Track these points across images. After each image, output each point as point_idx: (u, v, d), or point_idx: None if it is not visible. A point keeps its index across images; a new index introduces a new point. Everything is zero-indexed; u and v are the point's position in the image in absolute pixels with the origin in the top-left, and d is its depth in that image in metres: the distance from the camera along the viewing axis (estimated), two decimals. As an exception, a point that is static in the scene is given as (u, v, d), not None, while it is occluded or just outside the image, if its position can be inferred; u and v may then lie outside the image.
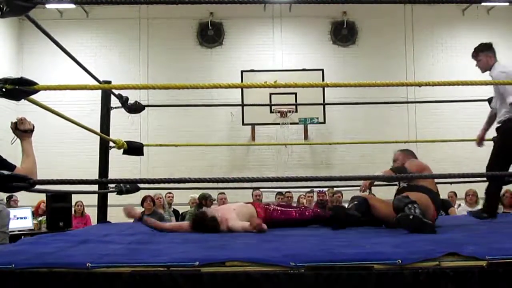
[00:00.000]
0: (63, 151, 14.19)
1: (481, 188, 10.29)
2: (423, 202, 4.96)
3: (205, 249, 3.68)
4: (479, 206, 10.33)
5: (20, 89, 3.47)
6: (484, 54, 6.29)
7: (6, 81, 3.43)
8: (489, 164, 6.23)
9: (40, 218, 11.09)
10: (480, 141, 6.85)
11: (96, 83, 5.72)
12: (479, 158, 13.26)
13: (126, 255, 3.43)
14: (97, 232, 5.18)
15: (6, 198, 11.39)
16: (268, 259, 3.07)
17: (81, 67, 5.11)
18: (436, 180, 6.56)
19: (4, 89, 3.42)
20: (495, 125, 6.26)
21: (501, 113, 6.00)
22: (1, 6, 3.36)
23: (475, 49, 6.40)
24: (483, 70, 6.24)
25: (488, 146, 7.48)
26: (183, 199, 11.68)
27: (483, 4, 14.97)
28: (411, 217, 4.51)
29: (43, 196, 10.93)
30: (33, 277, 2.95)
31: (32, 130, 3.85)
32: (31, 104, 3.92)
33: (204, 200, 10.29)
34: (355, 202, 5.54)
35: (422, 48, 15.39)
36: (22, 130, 3.80)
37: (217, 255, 3.25)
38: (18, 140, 3.84)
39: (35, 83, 3.55)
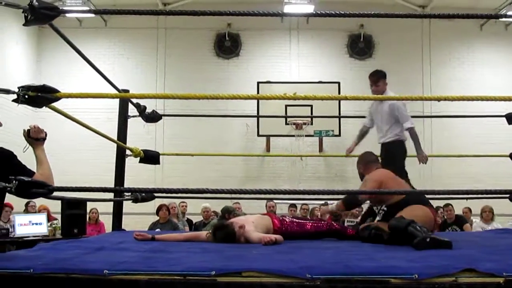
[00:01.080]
0: (78, 159, 14.26)
1: (496, 205, 10.31)
2: (419, 216, 4.94)
3: (222, 259, 3.69)
4: (495, 223, 10.31)
5: (42, 96, 3.52)
6: (382, 81, 7.09)
7: (29, 88, 3.48)
8: None
9: (54, 225, 11.13)
10: (349, 152, 7.50)
11: (115, 91, 5.76)
12: (494, 174, 13.37)
13: (143, 263, 3.45)
14: (112, 240, 5.20)
15: (25, 204, 11.52)
16: (284, 270, 3.07)
17: (101, 75, 5.16)
18: (450, 195, 6.59)
19: (27, 96, 3.46)
20: (384, 140, 6.95)
21: (389, 133, 6.83)
22: (26, 14, 3.41)
23: (377, 75, 7.13)
24: (378, 94, 6.90)
25: (506, 163, 7.46)
26: (196, 208, 11.69)
27: (501, 19, 14.93)
28: (428, 239, 4.44)
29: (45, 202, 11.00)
30: (51, 282, 2.98)
31: (44, 138, 3.83)
32: (49, 112, 3.96)
33: (228, 214, 10.16)
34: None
35: (439, 62, 15.34)
36: (34, 138, 3.78)
37: (234, 265, 3.26)
38: (31, 148, 3.83)
39: (57, 91, 3.59)
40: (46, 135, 3.84)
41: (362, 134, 7.52)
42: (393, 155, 6.76)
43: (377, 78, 7.07)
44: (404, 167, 6.71)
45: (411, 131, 6.79)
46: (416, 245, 4.46)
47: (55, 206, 10.42)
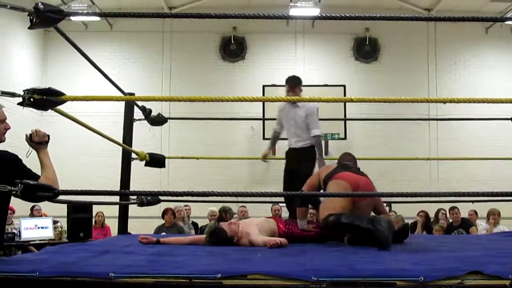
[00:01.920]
0: (84, 162, 14.28)
1: (503, 208, 10.28)
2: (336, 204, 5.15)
3: (227, 262, 3.69)
4: (501, 226, 10.28)
5: (48, 99, 3.52)
6: (299, 87, 7.10)
7: (34, 91, 3.48)
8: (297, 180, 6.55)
9: (60, 229, 11.16)
10: (264, 158, 7.70)
11: (120, 94, 5.77)
12: (500, 177, 13.35)
13: (148, 266, 3.45)
14: (118, 243, 5.20)
15: (30, 208, 11.54)
16: (289, 273, 3.07)
17: (107, 79, 5.18)
18: (456, 198, 6.55)
19: (32, 99, 3.47)
20: (301, 144, 6.91)
21: (306, 138, 6.85)
22: (31, 17, 3.42)
23: (295, 81, 7.13)
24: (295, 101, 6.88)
25: (511, 165, 7.46)
26: (202, 212, 11.69)
27: (506, 23, 14.90)
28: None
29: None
30: (56, 286, 2.99)
31: (47, 142, 3.83)
32: (55, 115, 3.96)
33: (224, 214, 10.31)
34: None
35: (445, 65, 15.32)
36: (36, 142, 3.79)
37: (239, 268, 3.26)
38: (34, 152, 3.82)
39: (63, 94, 3.60)
40: (48, 138, 3.85)
41: (275, 139, 7.65)
42: (309, 159, 6.86)
43: (295, 84, 7.09)
44: (313, 169, 6.78)
45: (318, 139, 6.88)
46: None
47: (60, 210, 10.42)
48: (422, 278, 2.95)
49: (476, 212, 11.38)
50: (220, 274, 3.01)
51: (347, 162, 5.95)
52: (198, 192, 3.75)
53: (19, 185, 3.31)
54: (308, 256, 4.14)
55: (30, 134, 3.78)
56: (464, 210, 11.01)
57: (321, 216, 5.27)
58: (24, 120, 11.29)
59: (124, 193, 6.68)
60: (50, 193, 3.45)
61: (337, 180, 5.39)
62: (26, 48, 14.20)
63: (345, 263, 3.57)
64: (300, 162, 6.83)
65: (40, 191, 3.40)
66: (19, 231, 10.36)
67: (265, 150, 7.66)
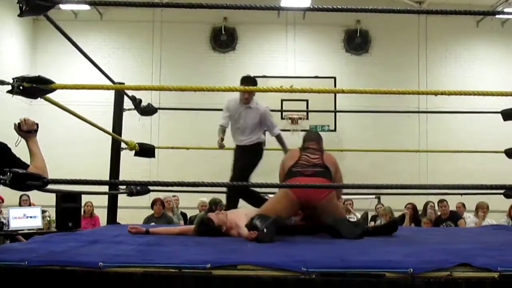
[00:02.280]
0: (73, 152, 14.22)
1: (491, 201, 10.33)
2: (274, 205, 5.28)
3: (217, 252, 3.69)
4: (488, 219, 10.33)
5: (37, 87, 3.50)
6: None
7: (24, 79, 3.46)
8: (235, 174, 7.11)
9: (48, 218, 11.13)
10: (221, 147, 7.66)
11: (110, 84, 5.74)
12: (489, 170, 13.40)
13: (138, 256, 3.44)
14: (107, 233, 5.19)
15: (19, 198, 11.49)
16: (279, 264, 3.08)
17: (96, 68, 5.14)
18: (444, 191, 6.50)
19: (21, 87, 3.44)
20: (247, 142, 7.25)
21: (253, 136, 7.16)
22: (21, 5, 3.39)
23: (251, 82, 7.27)
24: (248, 102, 7.18)
25: (500, 158, 7.49)
26: (191, 203, 11.68)
27: (497, 16, 14.94)
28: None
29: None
30: (45, 275, 2.97)
31: (36, 130, 3.79)
32: (43, 104, 3.93)
33: (215, 205, 10.28)
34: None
35: (435, 59, 15.35)
36: (25, 130, 3.75)
37: (229, 258, 3.26)
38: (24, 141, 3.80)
39: (52, 82, 3.57)
40: (37, 127, 3.81)
41: (223, 131, 7.69)
42: (254, 155, 7.17)
43: (251, 86, 7.17)
44: (256, 165, 7.14)
45: (279, 136, 7.26)
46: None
47: (49, 200, 10.38)
48: (411, 270, 2.97)
49: (464, 205, 11.43)
50: (209, 264, 3.02)
51: (310, 145, 5.93)
52: (187, 183, 3.75)
53: (8, 173, 3.29)
54: (298, 247, 4.15)
55: (19, 123, 3.74)
56: (453, 203, 11.05)
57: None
58: (12, 109, 11.24)
59: (114, 183, 6.65)
60: (39, 182, 3.43)
61: (286, 191, 5.30)
62: (15, 37, 14.10)
63: (335, 255, 3.58)
64: (247, 156, 7.14)
65: (29, 180, 3.38)
66: (8, 221, 10.32)
67: (219, 140, 7.65)
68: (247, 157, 7.13)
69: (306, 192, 5.17)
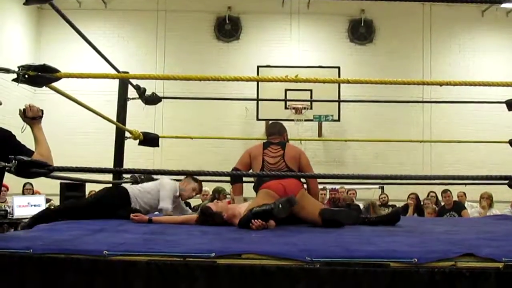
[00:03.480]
0: (76, 141, 14.25)
1: (495, 192, 10.32)
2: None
3: (221, 241, 3.69)
4: (493, 209, 10.33)
5: (43, 76, 3.49)
6: None
7: (29, 67, 3.46)
8: None
9: (52, 207, 11.15)
10: None
11: (114, 73, 5.74)
12: (494, 160, 13.39)
13: (142, 245, 3.45)
14: (111, 222, 5.19)
15: (22, 186, 11.52)
16: (284, 253, 3.08)
17: (101, 56, 5.14)
18: (448, 181, 6.45)
19: (27, 76, 3.44)
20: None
21: None
22: (26, -7, 3.39)
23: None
24: None
25: (504, 148, 7.48)
26: (195, 192, 11.68)
27: (502, 6, 14.87)
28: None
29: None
30: (50, 263, 2.98)
31: (41, 117, 3.78)
32: (48, 93, 3.93)
33: (218, 194, 10.31)
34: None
35: (440, 48, 15.31)
36: (30, 117, 3.74)
37: (233, 247, 3.27)
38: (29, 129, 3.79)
39: (58, 71, 3.57)
40: (42, 113, 3.80)
41: None
42: None
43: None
44: None
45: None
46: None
47: (53, 188, 10.39)
48: (416, 260, 2.97)
49: (464, 194, 11.43)
50: (214, 253, 3.02)
51: (273, 138, 5.85)
52: (191, 171, 3.75)
53: (13, 161, 3.29)
54: (303, 237, 4.15)
55: (24, 109, 3.74)
56: (455, 192, 11.07)
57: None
58: (17, 97, 11.24)
59: (118, 170, 6.66)
60: (44, 169, 3.43)
61: (266, 189, 5.31)
62: (20, 26, 14.10)
63: (339, 244, 3.58)
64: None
65: (34, 168, 3.38)
66: (12, 209, 10.35)
67: None
68: None
69: (284, 189, 5.23)
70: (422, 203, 11.20)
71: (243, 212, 5.05)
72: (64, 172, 3.81)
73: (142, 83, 7.07)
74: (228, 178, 7.24)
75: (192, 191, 6.15)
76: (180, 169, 3.46)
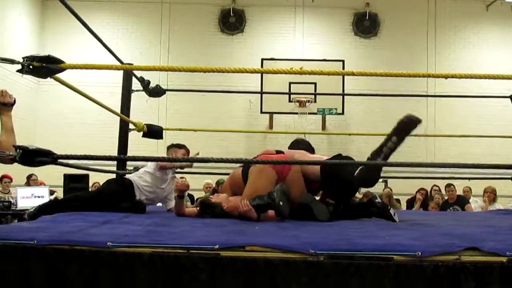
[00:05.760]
0: (80, 133, 14.23)
1: (498, 186, 10.32)
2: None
3: (225, 234, 3.70)
4: (497, 204, 10.32)
5: (47, 67, 3.48)
6: None
7: (34, 58, 3.44)
8: None
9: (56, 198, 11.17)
10: None
11: (119, 64, 5.73)
12: (497, 155, 13.36)
13: (146, 237, 3.45)
14: (115, 214, 5.20)
15: (26, 177, 11.53)
16: (288, 245, 3.07)
17: (105, 47, 5.13)
18: (452, 175, 6.41)
19: (31, 66, 3.43)
20: None
21: None
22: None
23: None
24: None
25: (509, 143, 7.46)
26: (198, 184, 11.69)
27: (507, 0, 14.83)
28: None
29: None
30: (55, 254, 2.98)
31: (12, 104, 3.76)
32: (52, 84, 3.92)
33: (217, 186, 10.33)
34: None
35: (444, 42, 15.27)
36: (1, 103, 3.73)
37: (237, 239, 3.27)
38: None
39: (62, 62, 3.56)
40: (14, 101, 3.79)
41: None
42: None
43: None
44: None
45: None
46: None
47: (57, 180, 10.42)
48: (420, 253, 2.97)
49: (470, 189, 11.43)
50: (217, 245, 3.02)
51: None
52: (195, 158, 3.75)
53: (18, 150, 3.29)
54: (307, 229, 4.15)
55: None
56: (460, 188, 11.05)
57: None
58: (20, 89, 11.25)
59: (122, 158, 6.67)
60: (49, 158, 3.42)
61: (262, 166, 5.21)
62: (24, 17, 14.08)
63: (343, 237, 3.58)
64: None
65: (39, 156, 3.37)
66: (16, 200, 10.37)
67: None
68: None
69: (281, 168, 5.17)
70: (429, 196, 11.19)
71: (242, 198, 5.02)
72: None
73: (146, 75, 7.07)
74: (230, 170, 7.21)
75: (183, 156, 6.17)
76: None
